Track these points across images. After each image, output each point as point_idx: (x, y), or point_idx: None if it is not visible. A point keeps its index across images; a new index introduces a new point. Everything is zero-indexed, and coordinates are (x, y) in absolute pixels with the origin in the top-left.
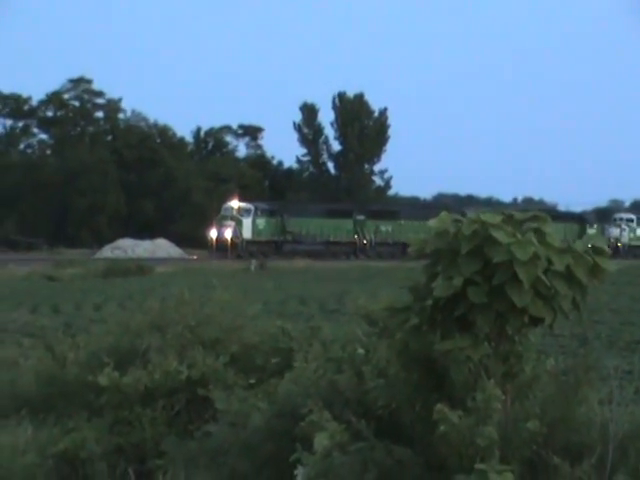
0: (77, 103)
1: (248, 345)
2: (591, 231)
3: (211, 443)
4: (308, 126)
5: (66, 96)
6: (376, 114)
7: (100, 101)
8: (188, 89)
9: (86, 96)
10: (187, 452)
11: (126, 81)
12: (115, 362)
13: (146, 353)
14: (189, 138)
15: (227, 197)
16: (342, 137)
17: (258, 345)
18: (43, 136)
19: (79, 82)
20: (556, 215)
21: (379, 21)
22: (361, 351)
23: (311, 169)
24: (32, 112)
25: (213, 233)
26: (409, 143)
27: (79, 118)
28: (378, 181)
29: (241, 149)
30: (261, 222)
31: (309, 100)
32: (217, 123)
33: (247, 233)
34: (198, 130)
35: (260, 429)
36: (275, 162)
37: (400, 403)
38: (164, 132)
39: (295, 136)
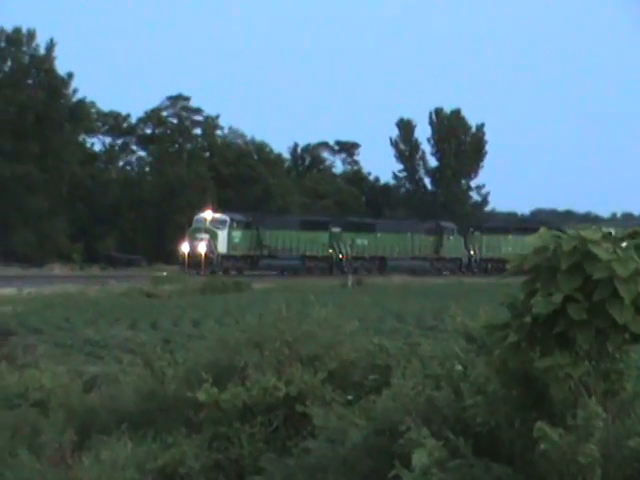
0: (175, 120)
1: (346, 361)
2: None
3: (309, 459)
4: (405, 142)
5: (164, 113)
6: (473, 130)
7: (198, 118)
8: (285, 106)
9: (184, 113)
10: (285, 468)
11: (224, 98)
12: (213, 378)
13: (244, 369)
14: (286, 154)
15: (323, 213)
16: (439, 153)
17: (356, 362)
18: (142, 153)
19: (177, 99)
20: (534, 228)
21: (476, 37)
22: (459, 368)
23: (407, 185)
24: (131, 129)
25: (185, 247)
26: (506, 158)
27: (177, 135)
28: (475, 197)
29: (338, 165)
30: (237, 235)
31: (406, 116)
32: (314, 139)
33: (222, 247)
34: (295, 146)
35: (358, 446)
36: (372, 178)
37: (499, 420)
38: (261, 149)
39: (392, 152)
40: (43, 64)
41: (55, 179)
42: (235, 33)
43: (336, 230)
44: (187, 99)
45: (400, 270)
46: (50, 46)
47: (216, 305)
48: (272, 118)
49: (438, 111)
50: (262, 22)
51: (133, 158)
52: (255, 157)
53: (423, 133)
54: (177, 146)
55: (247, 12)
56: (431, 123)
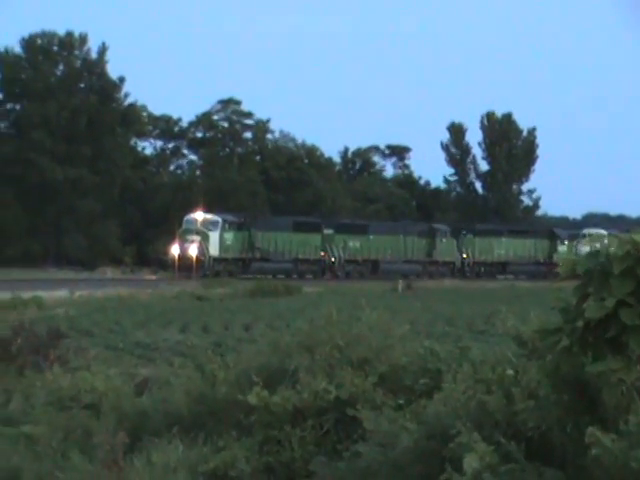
0: (226, 124)
1: (397, 365)
2: (562, 248)
3: (360, 463)
4: (456, 146)
5: (215, 117)
6: (524, 133)
7: (249, 122)
8: (336, 110)
9: (235, 117)
10: (336, 472)
11: (275, 102)
12: (264, 381)
13: (295, 373)
14: (336, 158)
15: (375, 217)
16: (490, 157)
17: (407, 365)
18: (193, 157)
19: (228, 103)
20: (526, 231)
21: (527, 41)
22: (511, 372)
23: (458, 189)
24: (182, 133)
25: (175, 250)
26: (558, 162)
27: (228, 139)
28: (526, 201)
29: (388, 169)
30: (229, 237)
31: (457, 120)
32: (364, 143)
33: (214, 250)
34: (346, 150)
35: (409, 450)
36: (422, 182)
37: (550, 425)
38: (312, 152)
39: (442, 156)
40: (95, 68)
41: (107, 182)
42: (286, 37)
43: (329, 232)
44: (238, 103)
45: (393, 274)
46: (102, 50)
47: (266, 309)
48: (323, 122)
49: (489, 115)
50: (313, 26)
51: (184, 162)
52: (306, 161)
53: (474, 137)
54: (228, 150)
55: (298, 15)
56: (482, 127)
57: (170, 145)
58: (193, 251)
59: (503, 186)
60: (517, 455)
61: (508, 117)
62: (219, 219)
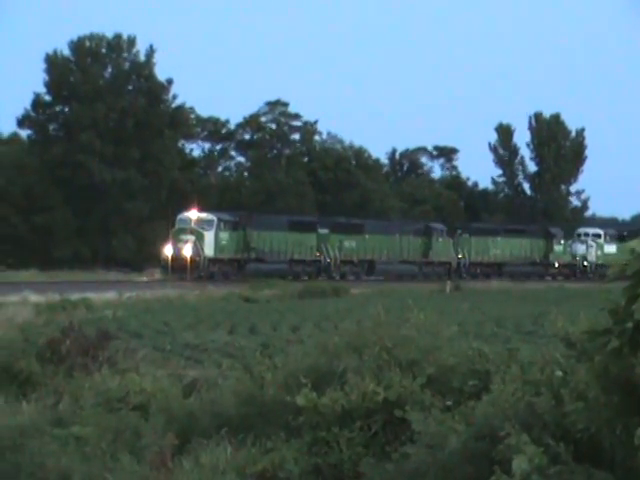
0: (274, 126)
1: (445, 367)
2: (558, 247)
3: (409, 465)
4: (503, 147)
5: (263, 119)
6: (573, 134)
7: (296, 124)
8: (383, 111)
9: (283, 119)
10: (384, 473)
11: (322, 104)
12: (312, 383)
13: (343, 374)
14: (384, 160)
15: (422, 218)
16: (538, 158)
17: (455, 367)
18: (240, 159)
19: (276, 105)
20: (522, 230)
21: (576, 40)
22: (559, 374)
23: (506, 190)
24: (230, 135)
25: (168, 250)
26: (607, 163)
27: (276, 141)
28: (575, 202)
29: (436, 170)
30: (224, 236)
31: (504, 121)
32: (412, 144)
33: (209, 250)
34: (393, 152)
35: (458, 451)
36: (470, 183)
37: (600, 427)
38: (359, 154)
39: (490, 157)
40: (143, 70)
41: (155, 184)
42: (333, 38)
43: (324, 232)
44: (286, 104)
45: (389, 275)
46: (150, 52)
47: (314, 310)
48: (370, 123)
49: (537, 116)
50: (360, 27)
51: (232, 163)
52: (353, 162)
53: (522, 138)
54: (275, 151)
55: (345, 17)
56: (530, 128)
57: (218, 147)
58: (187, 251)
59: (551, 187)
60: (566, 457)
61: (556, 118)
62: (214, 218)
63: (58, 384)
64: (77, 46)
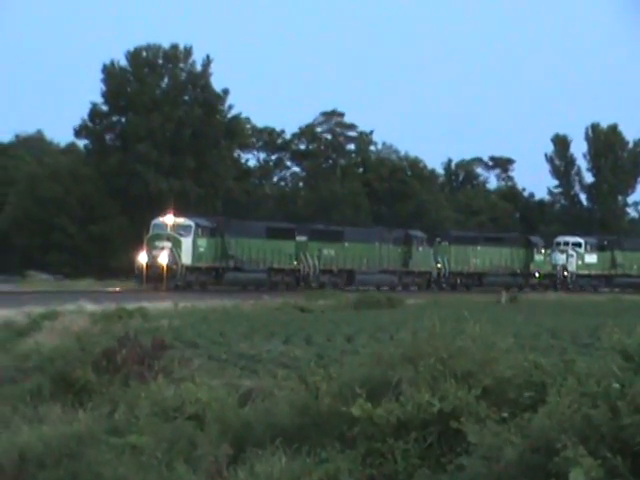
0: (329, 136)
1: (501, 378)
2: (538, 257)
3: (464, 476)
4: (560, 158)
5: (319, 129)
6: (630, 145)
7: (352, 134)
8: (439, 121)
9: (338, 129)
10: None
11: (378, 114)
12: (367, 393)
13: (398, 385)
14: (440, 170)
15: (478, 229)
16: (595, 169)
17: (511, 378)
18: (296, 169)
19: (332, 115)
20: (501, 238)
21: (635, 51)
22: (617, 386)
23: (563, 201)
24: (285, 145)
25: (143, 258)
26: None
27: (331, 151)
28: (632, 213)
29: (492, 181)
30: (202, 243)
31: (561, 132)
32: (468, 155)
33: (186, 257)
34: (449, 162)
35: (514, 463)
36: (526, 194)
37: None
38: (415, 164)
39: (547, 168)
40: (199, 80)
41: (210, 194)
42: (389, 49)
43: (302, 239)
44: (341, 115)
45: (368, 285)
46: (206, 62)
47: (369, 320)
48: (426, 134)
49: (594, 126)
50: (416, 38)
51: (287, 174)
52: (409, 173)
53: (579, 149)
54: (331, 162)
55: (400, 28)
56: (587, 139)
57: (273, 157)
58: (163, 259)
59: (608, 198)
60: (623, 470)
61: (614, 128)
62: (192, 223)
63: (114, 393)
64: (134, 56)
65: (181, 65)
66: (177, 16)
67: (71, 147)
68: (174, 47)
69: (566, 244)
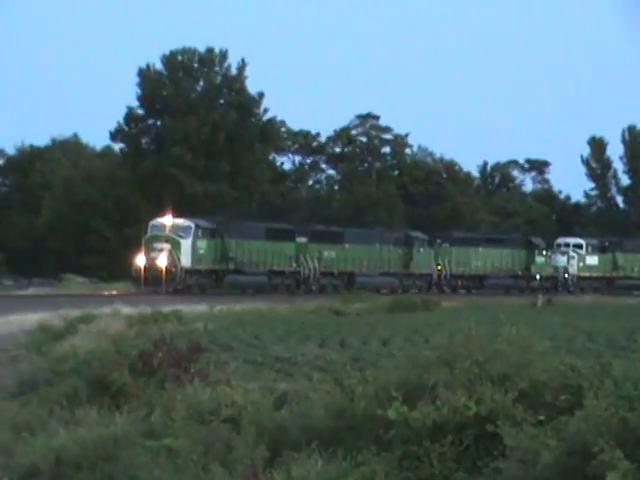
0: (364, 139)
1: (537, 381)
2: (539, 259)
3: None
4: (596, 160)
5: (354, 132)
6: None
7: (387, 137)
8: (474, 124)
9: (373, 132)
10: None
11: (413, 117)
12: (403, 396)
13: (434, 388)
14: (475, 173)
15: (514, 232)
16: (632, 171)
17: (547, 382)
18: (331, 172)
19: (367, 118)
20: (503, 240)
21: None
22: None
23: (599, 204)
24: (321, 148)
25: (141, 260)
26: None
27: (366, 154)
28: None
29: (528, 184)
30: (202, 245)
31: (597, 134)
32: (503, 158)
33: (186, 260)
34: (484, 165)
35: (550, 466)
36: (562, 197)
37: None
38: (450, 167)
39: (583, 170)
40: (235, 84)
41: (246, 197)
42: (424, 52)
43: (302, 240)
44: (376, 118)
45: (369, 289)
46: (241, 66)
47: (404, 323)
48: (461, 136)
49: (631, 129)
50: (451, 41)
51: (322, 177)
52: (444, 176)
53: (615, 151)
54: (366, 165)
55: (434, 32)
56: (624, 141)
57: (309, 160)
58: (162, 261)
59: None
60: None
61: None
62: (191, 224)
63: (150, 396)
64: (169, 60)
65: (216, 68)
66: (213, 20)
67: (107, 150)
68: (209, 50)
69: (567, 245)
